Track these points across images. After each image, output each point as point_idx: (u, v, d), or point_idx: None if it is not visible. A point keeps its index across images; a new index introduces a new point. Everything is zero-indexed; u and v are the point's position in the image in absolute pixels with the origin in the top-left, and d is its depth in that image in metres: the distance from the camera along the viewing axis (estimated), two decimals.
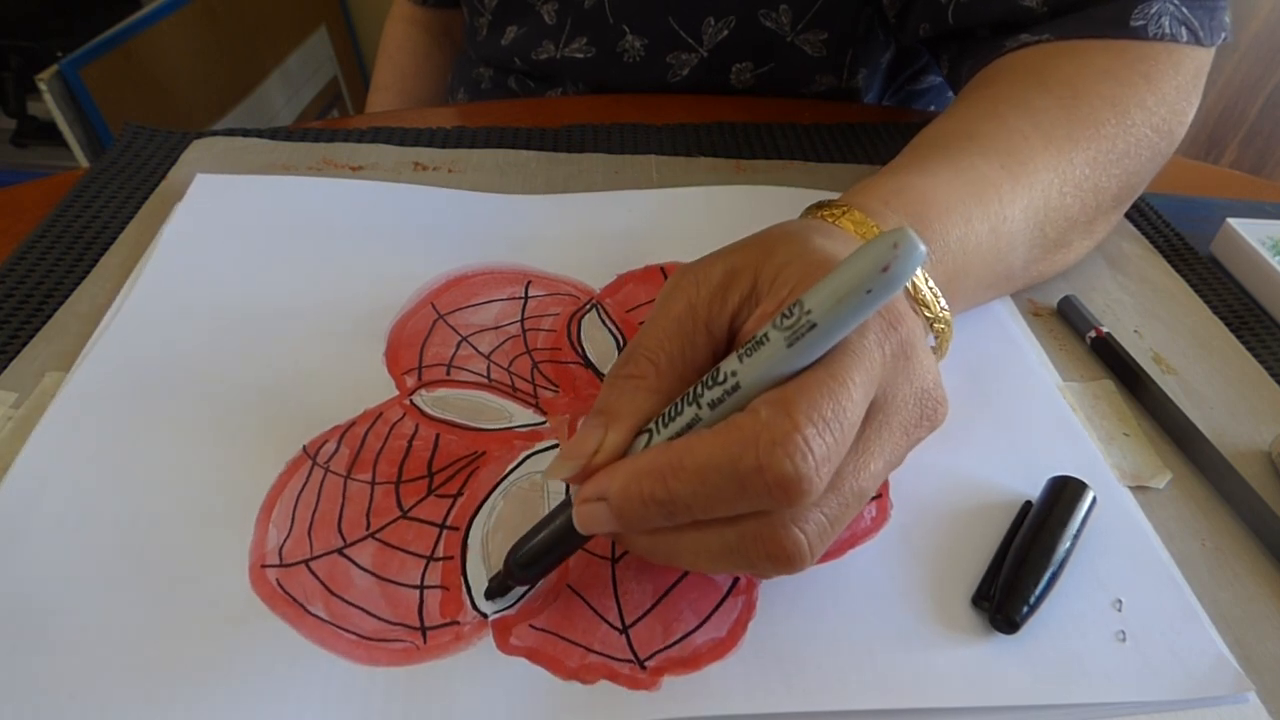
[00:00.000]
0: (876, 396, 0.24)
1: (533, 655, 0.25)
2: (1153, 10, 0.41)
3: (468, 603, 0.27)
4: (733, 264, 0.26)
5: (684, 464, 0.22)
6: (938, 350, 0.31)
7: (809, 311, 0.21)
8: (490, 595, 0.27)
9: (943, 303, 0.30)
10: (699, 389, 0.23)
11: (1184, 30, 0.41)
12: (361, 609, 0.26)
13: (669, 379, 0.25)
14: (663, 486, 0.22)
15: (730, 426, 0.22)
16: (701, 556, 0.23)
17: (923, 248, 0.19)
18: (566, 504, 0.25)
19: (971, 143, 0.37)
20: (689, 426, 0.23)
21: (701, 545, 0.23)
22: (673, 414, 0.24)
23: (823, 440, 0.21)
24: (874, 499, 0.31)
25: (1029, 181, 0.36)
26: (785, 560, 0.22)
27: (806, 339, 0.21)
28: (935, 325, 0.30)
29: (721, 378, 0.23)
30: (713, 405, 0.23)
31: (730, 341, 0.26)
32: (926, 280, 0.30)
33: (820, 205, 0.32)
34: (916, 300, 0.30)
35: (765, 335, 0.22)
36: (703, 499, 0.22)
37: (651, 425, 0.24)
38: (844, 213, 0.31)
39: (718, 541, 0.23)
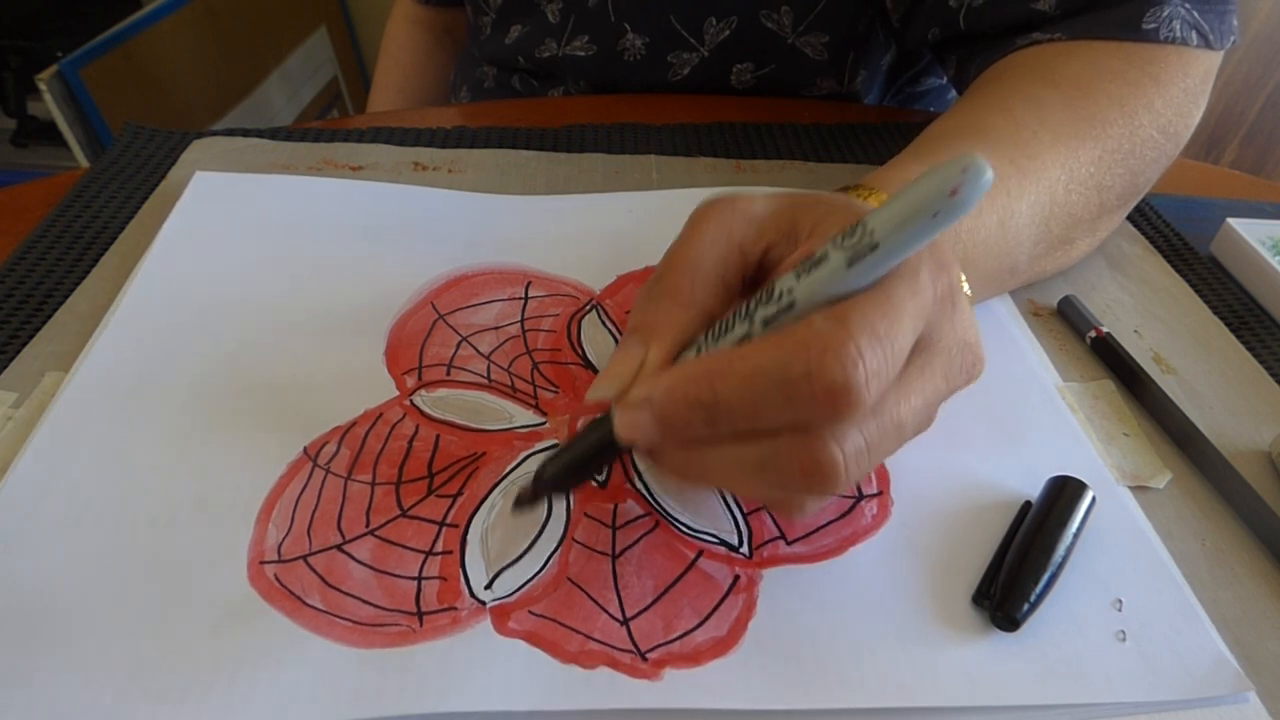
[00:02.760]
0: (923, 333, 0.23)
1: (531, 638, 0.25)
2: (1164, 13, 0.41)
3: (466, 591, 0.27)
4: (773, 204, 0.26)
5: (734, 367, 0.21)
6: None
7: (872, 231, 0.21)
8: (519, 504, 0.27)
9: (966, 286, 0.30)
10: (752, 305, 0.23)
11: (1194, 34, 0.41)
12: (358, 598, 0.26)
13: (704, 293, 0.25)
14: (709, 389, 0.21)
15: (784, 334, 0.21)
16: (733, 471, 0.23)
17: (990, 173, 0.19)
18: (599, 421, 0.25)
19: (981, 137, 0.37)
20: (739, 342, 0.23)
21: (735, 459, 0.23)
22: (724, 329, 0.23)
23: (875, 353, 0.21)
24: (874, 496, 0.31)
25: (1036, 177, 0.36)
26: (820, 477, 0.22)
27: (868, 259, 0.21)
28: None
29: (777, 294, 0.22)
30: (766, 322, 0.22)
31: (758, 275, 0.26)
32: None
33: (845, 188, 0.33)
34: None
35: (825, 254, 0.22)
36: (749, 404, 0.21)
37: (700, 340, 0.24)
38: (871, 193, 0.32)
39: (754, 455, 0.22)
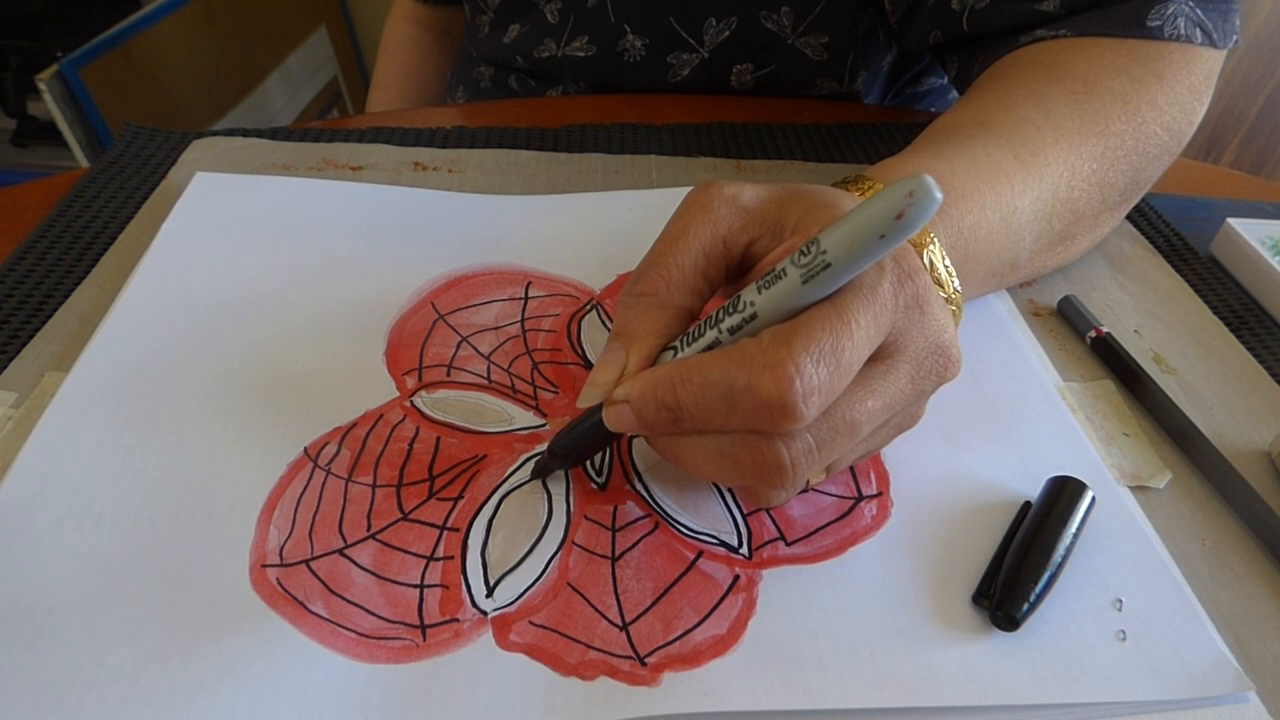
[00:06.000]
0: (887, 341, 0.25)
1: (532, 652, 0.25)
2: (1169, 11, 0.41)
3: (467, 601, 0.27)
4: (761, 196, 0.28)
5: (692, 377, 0.24)
6: None
7: (824, 251, 0.22)
8: (536, 475, 0.30)
9: (956, 283, 0.31)
10: (720, 314, 0.25)
11: (1198, 31, 0.41)
12: (361, 607, 0.26)
13: (681, 293, 0.27)
14: (672, 394, 0.24)
15: (736, 348, 0.24)
16: (700, 458, 0.26)
17: (939, 195, 0.20)
18: (598, 406, 0.27)
19: (985, 131, 0.37)
20: (710, 348, 0.25)
21: (701, 448, 0.25)
22: (696, 334, 0.26)
23: (815, 371, 0.22)
24: (874, 497, 0.31)
25: (1040, 173, 0.36)
26: (768, 471, 0.24)
27: (820, 277, 0.22)
28: (948, 304, 0.30)
29: (741, 306, 0.24)
30: (732, 331, 0.25)
31: (742, 265, 0.28)
32: (944, 259, 0.30)
33: (846, 180, 0.33)
34: (932, 277, 0.30)
35: (783, 270, 0.23)
36: (702, 409, 0.24)
37: (677, 343, 0.26)
38: (870, 186, 0.32)
39: (715, 446, 0.25)
